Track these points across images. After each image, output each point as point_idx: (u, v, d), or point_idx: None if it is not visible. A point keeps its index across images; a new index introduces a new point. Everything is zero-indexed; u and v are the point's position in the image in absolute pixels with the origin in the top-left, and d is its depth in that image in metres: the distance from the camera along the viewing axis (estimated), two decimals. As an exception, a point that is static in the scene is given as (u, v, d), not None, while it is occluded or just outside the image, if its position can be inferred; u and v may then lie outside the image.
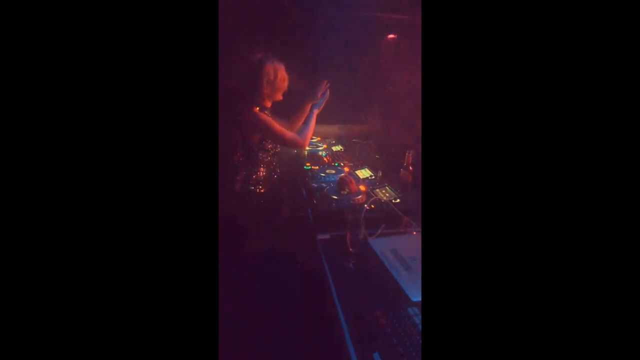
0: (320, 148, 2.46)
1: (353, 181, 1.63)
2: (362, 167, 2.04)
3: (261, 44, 2.10)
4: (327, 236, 1.35)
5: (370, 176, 1.91)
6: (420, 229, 1.39)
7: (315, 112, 1.84)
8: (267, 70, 1.69)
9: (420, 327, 0.86)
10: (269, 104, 1.82)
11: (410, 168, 1.77)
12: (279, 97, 1.80)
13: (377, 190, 1.70)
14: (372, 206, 1.47)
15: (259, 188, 1.82)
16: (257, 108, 1.72)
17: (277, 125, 1.70)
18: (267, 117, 1.69)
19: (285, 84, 1.77)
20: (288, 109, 1.94)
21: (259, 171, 1.80)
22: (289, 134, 1.73)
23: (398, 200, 1.56)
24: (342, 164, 2.12)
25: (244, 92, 1.75)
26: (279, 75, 1.72)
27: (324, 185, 1.72)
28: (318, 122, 2.18)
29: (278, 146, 1.87)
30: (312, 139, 2.63)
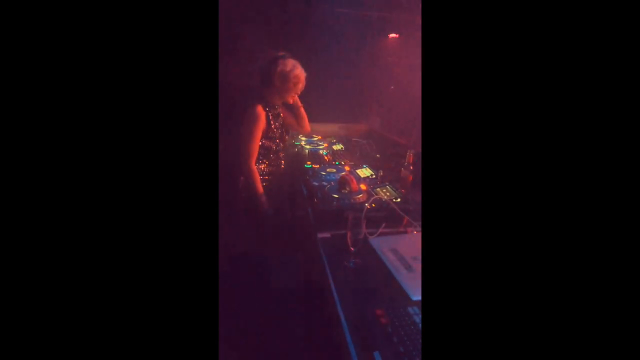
0: (321, 147, 2.46)
1: (354, 180, 1.63)
2: (362, 166, 2.03)
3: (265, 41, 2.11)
4: (327, 235, 1.34)
5: (371, 175, 1.91)
6: (420, 229, 1.38)
7: None
8: (283, 63, 1.70)
9: (420, 326, 0.86)
10: (278, 101, 1.80)
11: (411, 167, 1.76)
12: (289, 98, 1.79)
13: (378, 189, 1.70)
14: (373, 205, 1.47)
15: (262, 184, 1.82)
16: (261, 105, 1.71)
17: (254, 138, 1.70)
18: (257, 121, 1.70)
19: (299, 86, 1.76)
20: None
21: (261, 167, 1.80)
22: (251, 159, 1.72)
23: (399, 200, 1.56)
24: (342, 163, 2.12)
25: (258, 85, 1.76)
26: (294, 72, 1.71)
27: (324, 183, 1.71)
28: (319, 120, 2.16)
29: (280, 144, 1.87)
30: (312, 137, 2.64)
